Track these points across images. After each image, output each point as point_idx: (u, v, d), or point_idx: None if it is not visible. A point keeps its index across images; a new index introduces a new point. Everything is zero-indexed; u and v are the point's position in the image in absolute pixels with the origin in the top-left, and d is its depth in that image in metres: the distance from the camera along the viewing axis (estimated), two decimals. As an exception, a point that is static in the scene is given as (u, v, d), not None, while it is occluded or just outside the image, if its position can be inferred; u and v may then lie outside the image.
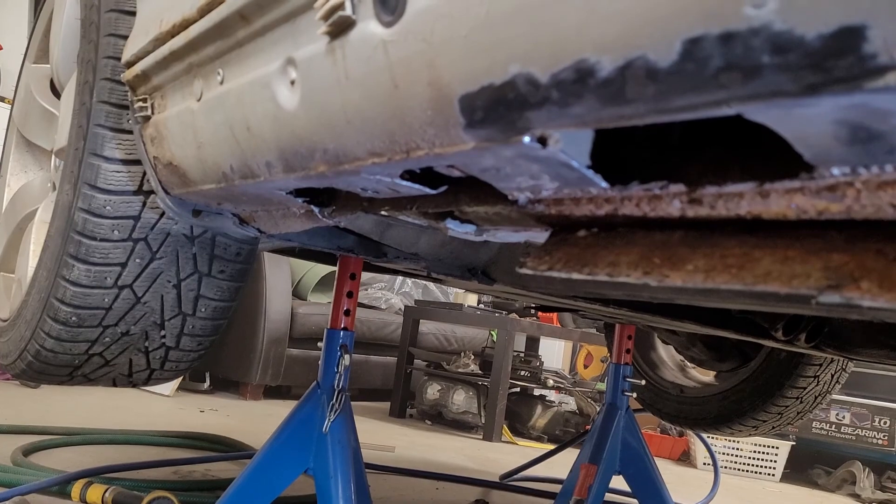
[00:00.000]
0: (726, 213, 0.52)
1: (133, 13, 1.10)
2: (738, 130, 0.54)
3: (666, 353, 2.59)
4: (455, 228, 0.83)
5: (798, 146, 0.42)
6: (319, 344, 1.75)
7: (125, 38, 1.09)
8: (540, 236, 0.79)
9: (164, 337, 1.25)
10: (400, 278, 4.68)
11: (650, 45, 0.40)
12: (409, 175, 0.71)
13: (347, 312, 1.71)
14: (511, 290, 1.34)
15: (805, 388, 2.18)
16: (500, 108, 0.50)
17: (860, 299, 0.44)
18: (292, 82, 0.70)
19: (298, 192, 0.90)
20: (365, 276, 4.46)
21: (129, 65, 1.03)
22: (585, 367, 5.28)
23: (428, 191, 0.73)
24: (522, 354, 4.26)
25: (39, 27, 1.53)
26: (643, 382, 2.26)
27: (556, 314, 3.86)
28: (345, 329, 1.71)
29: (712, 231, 0.57)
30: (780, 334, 1.66)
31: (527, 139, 0.51)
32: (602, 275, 0.59)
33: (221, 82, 0.83)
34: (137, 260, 1.16)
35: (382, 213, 0.86)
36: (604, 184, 0.56)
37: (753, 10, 0.35)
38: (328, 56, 0.63)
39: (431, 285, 4.87)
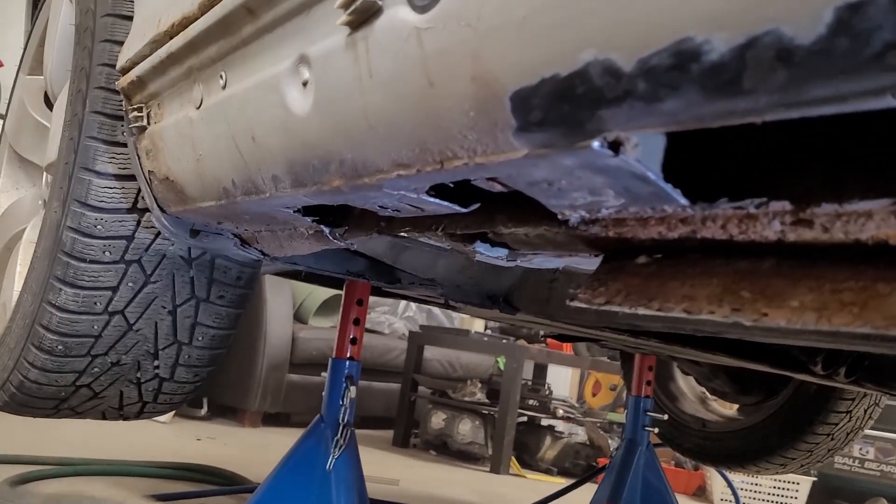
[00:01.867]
0: (843, 237, 0.43)
1: (130, 17, 1.01)
2: (849, 137, 0.45)
3: (686, 385, 2.47)
4: (485, 253, 0.73)
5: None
6: (323, 374, 1.64)
7: (121, 44, 1.00)
8: (586, 263, 0.69)
9: (157, 367, 1.15)
10: (404, 302, 4.57)
11: (786, 16, 0.31)
12: (436, 191, 0.62)
13: (354, 341, 1.61)
14: (535, 320, 1.24)
15: (837, 425, 2.06)
16: (564, 105, 0.41)
17: None
18: (305, 83, 0.61)
19: (307, 211, 0.80)
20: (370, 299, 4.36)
21: (124, 71, 0.94)
22: (594, 395, 5.15)
23: (458, 209, 0.63)
24: (530, 382, 4.14)
25: (34, 37, 1.45)
26: (666, 417, 2.15)
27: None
28: (351, 359, 1.60)
29: (812, 259, 0.47)
30: (819, 368, 1.55)
31: (597, 144, 0.41)
32: (677, 311, 0.49)
33: (224, 86, 0.73)
34: (130, 284, 1.07)
35: (401, 234, 0.76)
36: (683, 200, 0.46)
37: (948, -39, 0.26)
38: (348, 51, 0.54)
39: (436, 310, 4.76)
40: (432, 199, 0.62)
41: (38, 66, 1.45)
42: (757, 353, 1.55)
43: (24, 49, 1.49)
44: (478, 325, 4.32)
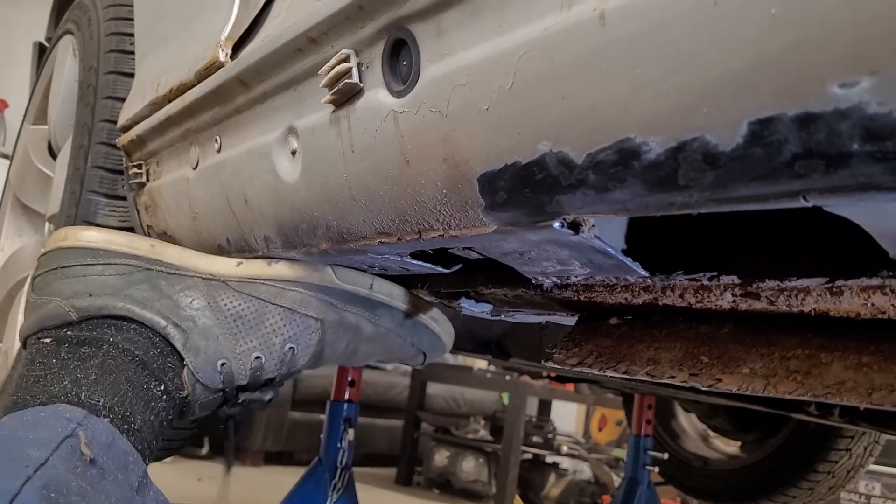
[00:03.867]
0: (787, 308, 0.45)
1: (132, 75, 1.06)
2: (798, 216, 0.48)
3: (688, 422, 2.47)
4: (470, 308, 0.76)
5: (884, 243, 0.35)
6: (321, 416, 1.66)
7: (123, 100, 1.05)
8: (564, 319, 0.72)
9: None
10: (407, 338, 4.58)
11: (709, 126, 0.34)
12: (420, 255, 0.65)
13: (352, 383, 1.63)
14: (526, 365, 1.26)
15: (837, 462, 2.06)
16: (526, 189, 0.44)
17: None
18: (293, 153, 0.64)
19: (300, 267, 0.83)
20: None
21: (125, 129, 0.98)
22: (600, 430, 5.13)
23: (441, 270, 0.66)
24: (534, 418, 4.13)
25: (39, 87, 1.50)
26: (666, 456, 2.15)
27: (567, 377, 3.76)
28: (349, 401, 1.62)
29: (766, 326, 0.50)
30: (812, 408, 1.56)
31: (557, 225, 0.44)
32: (641, 374, 0.52)
33: (219, 150, 0.77)
34: (129, 333, 1.09)
35: (390, 291, 0.79)
36: (643, 272, 0.49)
37: (842, 90, 0.29)
38: (332, 126, 0.58)
39: (439, 345, 4.77)
40: (416, 262, 0.65)
41: (43, 117, 1.49)
42: (753, 396, 1.57)
43: (30, 99, 1.54)
44: (481, 362, 4.32)
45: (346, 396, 1.61)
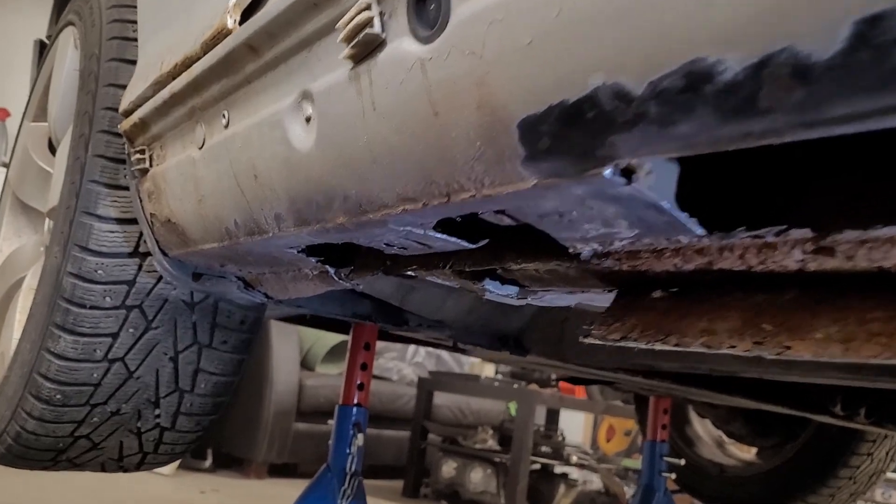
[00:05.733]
0: (867, 265, 0.41)
1: (134, 62, 1.02)
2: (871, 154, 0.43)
3: (702, 428, 2.41)
4: (494, 290, 0.71)
5: None
6: (330, 422, 1.61)
7: (125, 87, 1.01)
8: (600, 299, 0.67)
9: (158, 416, 1.12)
10: (412, 347, 4.52)
11: (800, 32, 0.29)
12: (443, 227, 0.60)
13: (361, 387, 1.58)
14: (545, 362, 1.21)
15: (859, 467, 2.00)
16: (574, 132, 0.39)
17: None
18: (307, 119, 0.60)
19: (311, 251, 0.78)
20: (377, 345, 4.31)
21: (127, 114, 0.94)
22: (608, 440, 5.05)
23: (466, 245, 0.62)
24: (542, 428, 4.06)
25: (40, 84, 1.46)
26: (683, 462, 2.09)
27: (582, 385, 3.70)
28: (358, 405, 1.57)
29: (836, 290, 0.45)
30: (838, 409, 1.51)
31: (608, 172, 0.40)
32: (696, 345, 0.47)
33: (226, 125, 0.73)
34: (131, 330, 1.05)
35: (408, 273, 0.74)
36: (699, 230, 0.44)
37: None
38: (351, 84, 0.53)
39: (445, 355, 4.71)
40: (439, 236, 0.60)
41: (43, 113, 1.45)
42: (775, 394, 1.51)
43: (30, 96, 1.50)
44: (488, 370, 4.26)
45: (356, 400, 1.55)
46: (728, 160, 0.46)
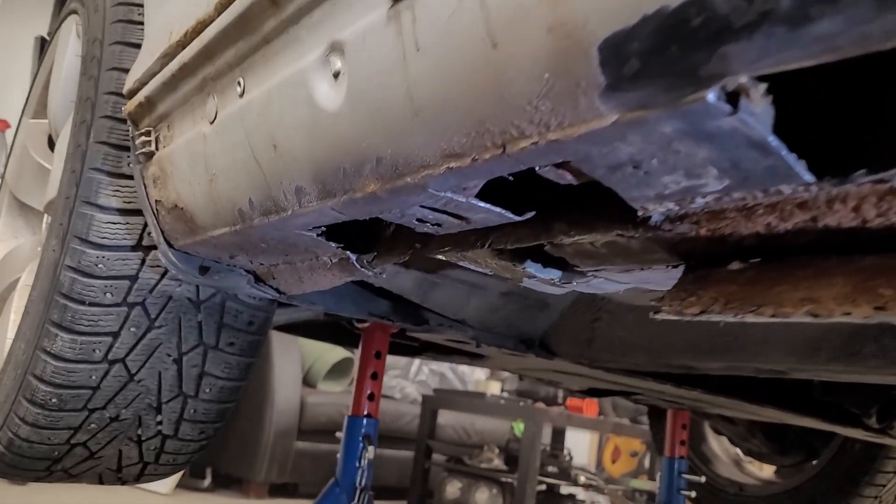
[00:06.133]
0: None
1: (138, 45, 0.96)
2: None
3: (719, 446, 2.33)
4: (536, 274, 0.64)
5: None
6: (338, 434, 1.53)
7: (128, 72, 0.94)
8: (655, 278, 0.60)
9: (160, 423, 1.05)
10: (415, 365, 4.43)
11: None
12: (487, 196, 0.54)
13: (371, 397, 1.51)
14: (571, 368, 1.14)
15: (884, 486, 1.92)
16: (673, 47, 0.33)
17: None
18: (336, 74, 0.54)
19: (331, 235, 0.72)
20: (379, 363, 4.22)
21: (132, 94, 0.87)
22: (613, 461, 4.95)
23: (511, 217, 0.55)
24: (548, 448, 3.97)
25: (40, 79, 1.40)
26: (703, 479, 2.01)
27: (585, 403, 3.60)
28: (368, 416, 1.50)
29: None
30: (873, 421, 1.44)
31: (712, 96, 0.33)
32: (799, 314, 0.40)
33: (242, 94, 0.66)
34: (132, 329, 0.98)
35: (440, 255, 0.67)
36: (808, 176, 0.38)
37: None
38: (390, 25, 0.47)
39: (449, 373, 4.62)
40: (482, 205, 0.54)
41: (43, 110, 1.40)
42: (806, 405, 1.44)
43: (29, 92, 1.45)
44: (493, 388, 4.18)
45: (366, 411, 1.48)
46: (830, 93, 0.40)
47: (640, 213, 0.46)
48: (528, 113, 0.41)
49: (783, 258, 0.46)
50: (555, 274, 0.65)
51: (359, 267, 0.74)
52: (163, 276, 0.97)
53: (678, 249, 0.50)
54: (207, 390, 1.06)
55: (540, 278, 0.65)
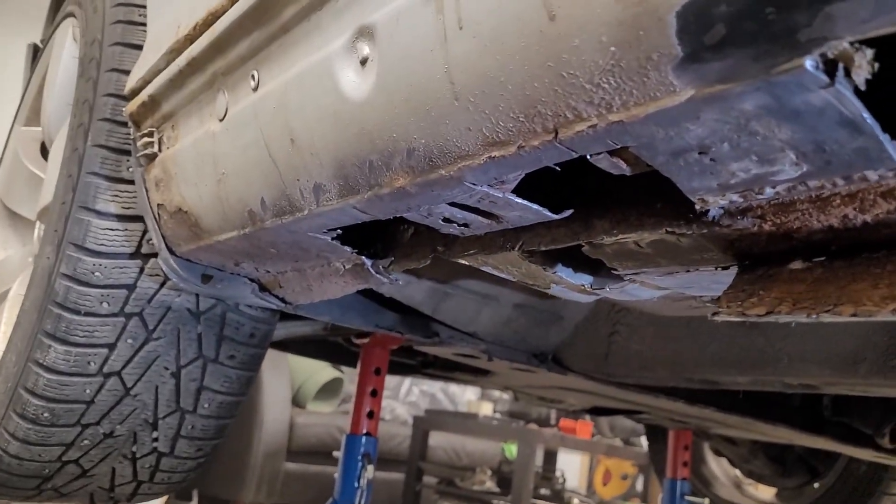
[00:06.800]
0: None
1: (139, 46, 0.92)
2: None
3: (719, 468, 2.29)
4: (566, 278, 0.61)
5: None
6: (335, 453, 1.48)
7: (128, 73, 0.91)
8: (698, 283, 0.57)
9: (156, 440, 1.00)
10: (406, 386, 4.37)
11: None
12: (526, 191, 0.50)
13: (371, 415, 1.46)
14: (584, 384, 1.10)
15: (891, 509, 1.88)
16: (769, 7, 0.30)
17: None
18: (363, 61, 0.50)
19: (345, 239, 0.68)
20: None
21: (134, 93, 0.84)
22: (604, 484, 4.88)
23: (547, 215, 0.52)
24: (540, 470, 3.91)
25: (33, 86, 1.36)
26: (706, 501, 1.97)
27: (578, 424, 3.55)
28: (367, 434, 1.45)
29: None
30: (886, 441, 1.41)
31: (810, 63, 0.30)
32: (885, 313, 0.37)
33: (255, 88, 0.63)
34: (129, 340, 0.93)
35: (464, 259, 0.64)
36: (898, 157, 0.34)
37: None
38: (429, 3, 0.44)
39: (440, 394, 4.56)
40: (519, 201, 0.51)
41: (35, 117, 1.35)
42: (814, 424, 1.41)
43: (21, 99, 1.40)
44: (485, 409, 4.12)
45: (365, 429, 1.43)
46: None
47: (698, 207, 0.43)
48: (587, 92, 0.37)
49: (853, 255, 0.43)
50: (586, 279, 0.61)
51: (374, 273, 0.71)
52: (162, 285, 0.93)
53: (736, 248, 0.47)
54: (206, 405, 1.01)
55: (570, 283, 0.61)
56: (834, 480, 2.02)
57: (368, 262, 0.70)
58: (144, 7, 0.93)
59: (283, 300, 0.88)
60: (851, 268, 0.42)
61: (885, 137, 0.34)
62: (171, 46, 0.74)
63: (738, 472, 2.31)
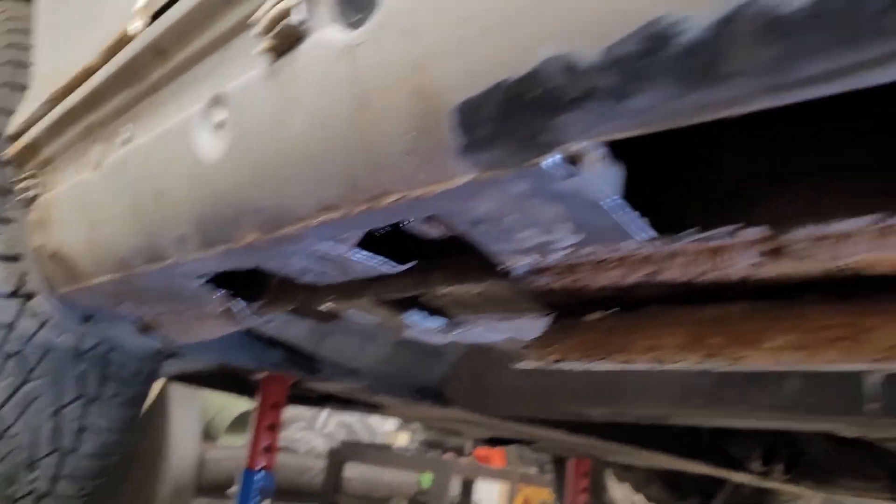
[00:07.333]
0: (818, 265, 0.38)
1: (25, 88, 0.94)
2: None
3: (620, 493, 2.38)
4: (419, 323, 0.66)
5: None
6: (229, 491, 1.49)
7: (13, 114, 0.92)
8: (531, 328, 0.63)
9: (35, 480, 0.99)
10: (322, 417, 4.34)
11: (773, -20, 0.27)
12: (367, 246, 0.55)
13: (268, 449, 1.47)
14: (466, 416, 1.15)
15: (772, 529, 2.00)
16: (516, 114, 0.36)
17: None
18: (218, 126, 0.55)
19: (218, 283, 0.72)
20: (285, 414, 4.11)
21: (16, 137, 0.85)
22: (522, 512, 4.94)
23: (392, 266, 0.57)
24: (458, 500, 3.93)
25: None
26: (601, 526, 2.04)
27: (493, 452, 3.61)
28: (265, 469, 1.46)
29: (786, 300, 0.42)
30: (755, 465, 1.51)
31: (553, 160, 0.36)
32: (642, 361, 0.43)
33: (126, 141, 0.66)
34: (9, 379, 0.93)
35: (326, 305, 0.68)
36: (649, 232, 0.41)
37: None
38: (270, 81, 0.49)
39: (357, 425, 4.54)
40: (363, 254, 0.56)
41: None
42: (693, 450, 1.50)
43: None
44: (402, 440, 4.13)
45: (262, 464, 1.44)
46: (674, 161, 0.43)
47: (499, 268, 0.49)
48: (394, 170, 0.43)
49: (638, 308, 0.50)
50: (438, 322, 0.66)
51: (245, 316, 0.74)
52: (42, 325, 0.93)
53: (544, 300, 0.53)
54: (88, 445, 1.01)
55: (423, 327, 0.67)
56: (723, 502, 2.13)
57: (239, 306, 0.74)
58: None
59: (164, 339, 0.90)
60: (633, 320, 0.48)
61: (632, 216, 0.40)
62: (51, 95, 0.76)
63: (639, 496, 2.41)
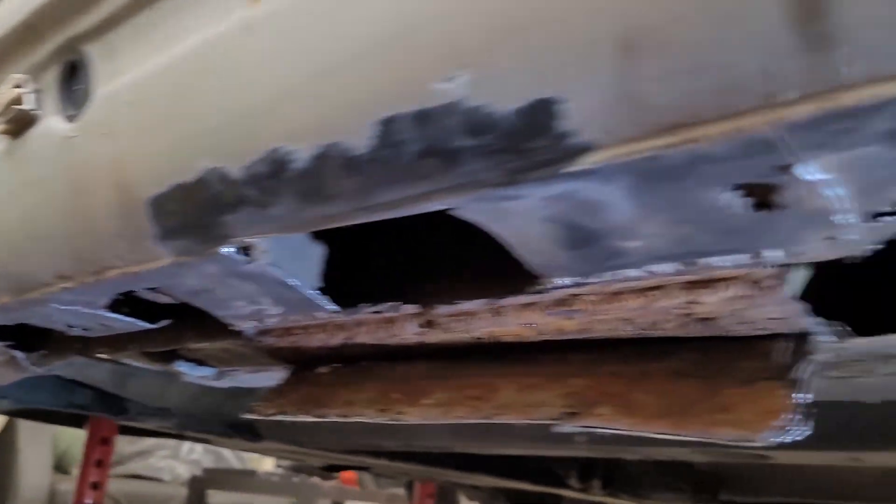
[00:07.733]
0: (464, 336, 0.46)
1: None
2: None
3: (467, 511, 2.47)
4: (189, 372, 0.71)
5: (519, 251, 0.37)
6: (60, 527, 1.46)
7: None
8: (284, 377, 0.69)
9: None
10: (187, 445, 4.22)
11: (344, 129, 0.34)
12: (120, 306, 0.60)
13: (97, 486, 1.46)
14: (282, 448, 1.20)
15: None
16: (193, 211, 0.42)
17: (599, 425, 0.38)
18: (-31, 194, 0.58)
19: (2, 336, 0.73)
20: (147, 442, 3.98)
21: None
22: (394, 532, 4.98)
23: (143, 325, 0.61)
24: (325, 523, 3.92)
25: None
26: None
27: (356, 475, 3.64)
28: (92, 507, 1.44)
29: (452, 360, 0.50)
30: (574, 482, 1.62)
31: (228, 250, 0.43)
32: (333, 415, 0.50)
33: None
34: None
35: (99, 355, 0.72)
36: (330, 306, 0.48)
37: (444, 85, 0.30)
38: (7, 159, 0.52)
39: (226, 452, 4.44)
40: (112, 315, 0.60)
41: None
42: (517, 471, 1.60)
43: None
44: (267, 465, 4.08)
45: (90, 501, 1.43)
46: (369, 244, 0.51)
47: (231, 328, 0.55)
48: (111, 249, 0.48)
49: (356, 364, 0.57)
50: (208, 372, 0.71)
51: (28, 365, 0.76)
52: None
53: (277, 355, 0.59)
54: None
55: (195, 375, 0.71)
56: (561, 517, 2.26)
57: (21, 356, 0.76)
58: None
59: (-42, 385, 0.90)
60: (348, 375, 0.55)
61: (314, 293, 0.47)
62: None
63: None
